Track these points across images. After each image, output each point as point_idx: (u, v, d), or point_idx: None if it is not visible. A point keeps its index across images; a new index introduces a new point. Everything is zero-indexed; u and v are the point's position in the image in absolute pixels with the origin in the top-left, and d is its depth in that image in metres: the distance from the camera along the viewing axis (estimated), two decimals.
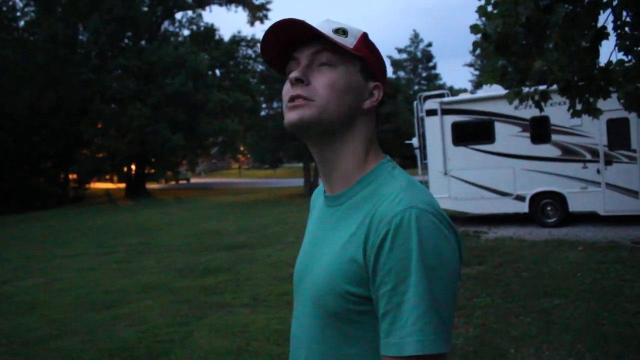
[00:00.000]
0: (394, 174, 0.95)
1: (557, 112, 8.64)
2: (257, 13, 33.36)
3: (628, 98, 4.11)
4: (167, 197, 28.28)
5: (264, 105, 28.28)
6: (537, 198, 9.83)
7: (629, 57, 4.08)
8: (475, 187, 10.25)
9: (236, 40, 33.18)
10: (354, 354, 0.90)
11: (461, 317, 4.71)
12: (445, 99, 10.84)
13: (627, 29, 4.00)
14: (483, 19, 4.38)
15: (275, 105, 26.11)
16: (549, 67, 4.27)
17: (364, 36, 0.99)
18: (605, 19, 3.95)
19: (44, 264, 9.50)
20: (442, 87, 38.94)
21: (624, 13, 3.93)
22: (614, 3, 3.84)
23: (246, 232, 12.06)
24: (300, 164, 29.12)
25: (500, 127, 10.03)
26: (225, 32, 63.10)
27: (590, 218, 9.97)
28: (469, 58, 48.97)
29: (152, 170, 32.99)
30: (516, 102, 4.59)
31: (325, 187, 1.04)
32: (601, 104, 4.50)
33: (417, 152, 11.98)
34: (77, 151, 29.94)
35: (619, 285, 5.48)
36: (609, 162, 9.25)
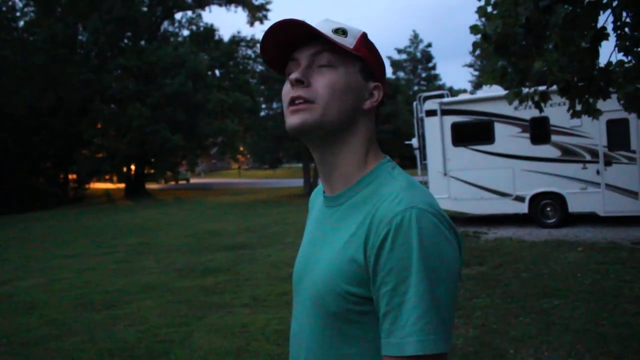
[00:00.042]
0: (394, 174, 0.96)
1: (557, 112, 8.64)
2: (256, 13, 33.37)
3: (628, 99, 4.11)
4: (167, 198, 28.27)
5: (263, 106, 28.30)
6: (536, 199, 9.83)
7: (629, 57, 4.08)
8: (474, 187, 10.25)
9: (236, 41, 33.19)
10: (354, 354, 0.90)
11: (461, 317, 4.71)
12: (445, 100, 10.84)
13: (627, 29, 3.99)
14: (483, 19, 4.38)
15: (274, 105, 26.12)
16: (548, 68, 4.27)
17: (364, 36, 0.99)
18: (605, 19, 3.95)
19: (44, 264, 9.50)
20: (441, 87, 38.96)
21: (624, 14, 3.93)
22: (614, 4, 3.84)
23: (246, 232, 12.06)
24: (300, 165, 29.13)
25: (500, 128, 10.03)
26: (225, 33, 63.22)
27: (589, 219, 9.97)
28: (469, 59, 48.98)
29: (152, 171, 32.98)
30: (516, 102, 4.58)
31: (325, 187, 1.03)
32: (601, 104, 4.50)
33: (417, 152, 11.99)
34: (76, 151, 29.93)
35: (618, 286, 5.48)
36: (608, 162, 9.26)
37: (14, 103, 23.87)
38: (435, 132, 10.56)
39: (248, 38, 33.30)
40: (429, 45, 45.37)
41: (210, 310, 5.57)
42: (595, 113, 4.40)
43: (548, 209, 9.78)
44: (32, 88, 24.52)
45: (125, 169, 30.91)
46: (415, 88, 40.46)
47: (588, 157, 9.39)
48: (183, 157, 33.27)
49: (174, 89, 26.29)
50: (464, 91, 28.82)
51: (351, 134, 0.97)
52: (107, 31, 27.32)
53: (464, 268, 6.48)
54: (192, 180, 46.27)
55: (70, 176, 32.27)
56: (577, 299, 5.12)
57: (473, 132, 10.35)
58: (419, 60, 44.79)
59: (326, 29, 0.95)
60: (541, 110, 4.68)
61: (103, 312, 5.78)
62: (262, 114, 28.06)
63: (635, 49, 3.99)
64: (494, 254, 7.52)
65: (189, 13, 34.31)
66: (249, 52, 33.53)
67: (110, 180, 34.49)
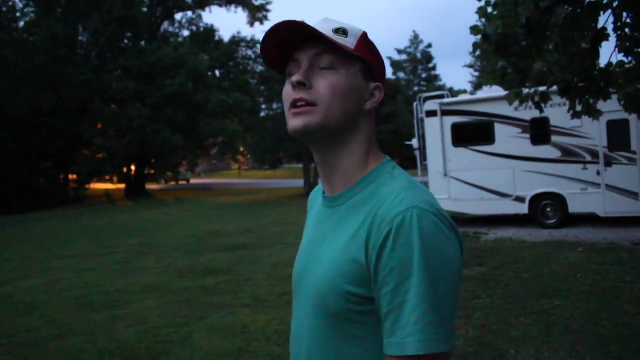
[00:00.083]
0: (394, 174, 0.96)
1: (557, 113, 8.64)
2: (256, 14, 33.39)
3: (628, 99, 4.11)
4: (167, 198, 28.28)
5: (263, 106, 28.31)
6: (536, 199, 9.83)
7: (629, 58, 4.08)
8: (475, 188, 10.25)
9: (236, 41, 33.19)
10: (355, 354, 0.90)
11: (461, 317, 4.71)
12: (445, 100, 10.84)
13: (627, 30, 3.99)
14: (483, 19, 4.38)
15: (274, 105, 26.13)
16: (548, 68, 4.27)
17: (364, 36, 0.99)
18: (605, 20, 3.96)
19: (44, 264, 9.50)
20: (441, 88, 38.99)
21: (624, 14, 3.94)
22: (614, 4, 3.84)
23: (246, 232, 12.06)
24: (300, 165, 29.14)
25: (500, 128, 10.03)
26: (225, 33, 63.21)
27: (589, 219, 9.97)
28: (469, 59, 48.99)
29: (152, 171, 32.99)
30: (516, 103, 4.59)
31: (325, 187, 1.03)
32: (601, 105, 4.50)
33: (417, 153, 11.99)
34: (76, 151, 29.94)
35: (618, 287, 5.48)
36: (608, 163, 9.26)
37: (14, 103, 23.87)
38: (435, 132, 10.56)
39: (248, 38, 33.36)
40: (429, 45, 45.51)
41: (210, 310, 5.57)
42: (595, 113, 4.40)
43: (548, 209, 9.78)
44: (32, 88, 24.52)
45: (125, 169, 30.92)
46: (415, 88, 40.50)
47: (588, 158, 9.39)
48: (183, 158, 33.28)
49: (174, 89, 26.30)
50: (464, 92, 28.80)
51: (352, 134, 0.97)
52: (107, 31, 27.33)
53: (464, 269, 6.47)
54: (192, 181, 46.28)
55: (70, 176, 32.26)
56: (578, 299, 5.12)
57: (473, 132, 10.35)
58: (419, 61, 44.86)
59: (326, 29, 0.94)
60: (541, 111, 4.68)
61: (103, 312, 5.78)
62: (262, 114, 28.08)
63: (635, 50, 4.00)
64: (494, 255, 7.52)
65: (189, 13, 34.37)
66: (249, 52, 33.55)
67: (111, 181, 34.50)
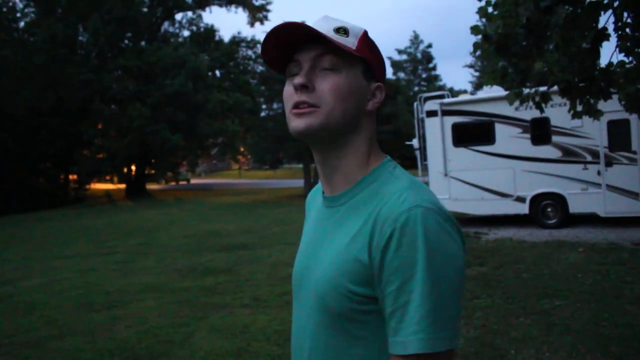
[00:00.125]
0: (396, 174, 0.95)
1: (558, 113, 8.64)
2: (257, 14, 33.39)
3: (629, 99, 4.11)
4: (167, 198, 28.27)
5: (264, 106, 28.31)
6: (537, 199, 9.83)
7: (630, 58, 4.09)
8: (475, 188, 10.25)
9: (236, 41, 33.19)
10: (357, 354, 0.90)
11: (461, 318, 4.68)
12: (446, 100, 10.84)
13: (627, 30, 4.00)
14: (483, 20, 4.38)
15: (275, 106, 26.14)
16: (549, 68, 4.27)
17: (365, 35, 0.98)
18: (606, 20, 3.97)
19: (44, 264, 9.49)
20: (442, 88, 39.00)
21: (625, 14, 3.94)
22: (615, 4, 3.84)
23: (246, 232, 12.06)
24: (300, 165, 29.14)
25: (500, 128, 10.03)
26: (225, 33, 63.01)
27: (590, 219, 9.97)
28: (469, 59, 49.01)
29: (152, 171, 32.98)
30: (517, 103, 4.59)
31: (326, 188, 1.03)
32: (602, 105, 4.50)
33: (417, 153, 12.00)
34: (77, 152, 29.94)
35: (619, 287, 5.48)
36: (609, 163, 9.25)
37: (14, 103, 23.87)
38: (436, 132, 10.56)
39: (248, 39, 33.33)
40: (430, 45, 45.53)
41: (210, 310, 5.57)
42: (596, 114, 4.40)
43: (549, 209, 9.78)
44: (32, 88, 24.52)
45: (125, 170, 30.91)
46: (416, 89, 40.49)
47: (589, 158, 9.39)
48: (183, 158, 33.27)
49: (174, 90, 26.30)
50: (465, 92, 28.83)
51: (354, 135, 0.97)
52: (107, 31, 27.33)
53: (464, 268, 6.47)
54: (193, 181, 46.27)
55: (70, 177, 32.25)
56: (578, 299, 5.12)
57: (474, 132, 10.35)
58: (419, 61, 44.86)
59: (327, 29, 0.94)
60: (542, 111, 4.68)
61: (103, 313, 5.78)
62: (263, 114, 28.08)
63: (636, 50, 4.00)
64: (494, 255, 7.51)
65: (190, 14, 34.36)
66: (250, 52, 33.55)
67: (111, 181, 34.50)
